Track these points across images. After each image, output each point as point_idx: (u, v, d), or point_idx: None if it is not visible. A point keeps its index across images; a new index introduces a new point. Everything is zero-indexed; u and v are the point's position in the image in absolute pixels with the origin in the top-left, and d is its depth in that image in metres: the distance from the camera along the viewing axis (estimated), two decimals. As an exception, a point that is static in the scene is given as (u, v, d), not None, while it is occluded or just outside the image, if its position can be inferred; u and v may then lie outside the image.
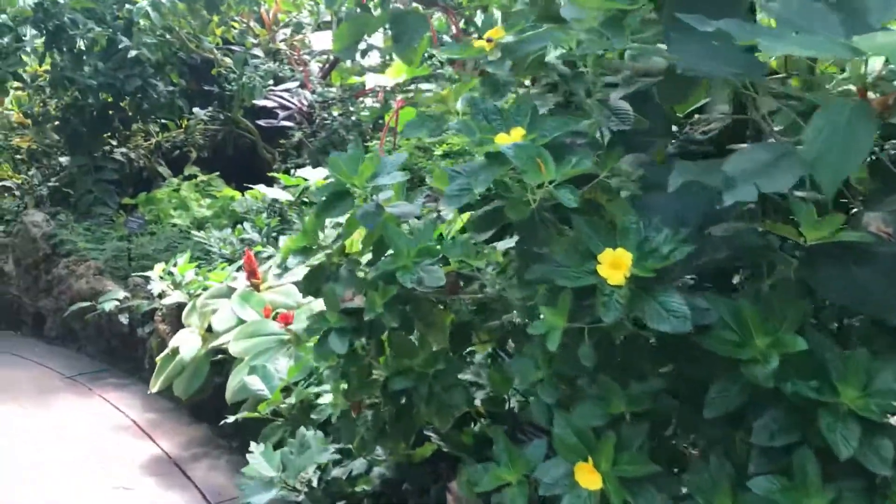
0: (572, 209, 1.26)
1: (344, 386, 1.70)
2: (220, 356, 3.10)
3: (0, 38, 5.02)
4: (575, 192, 1.23)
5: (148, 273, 3.82)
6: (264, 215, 4.30)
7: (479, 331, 1.77)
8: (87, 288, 4.21)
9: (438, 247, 1.53)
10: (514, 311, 1.67)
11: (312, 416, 1.94)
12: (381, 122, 4.69)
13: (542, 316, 1.40)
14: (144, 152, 6.35)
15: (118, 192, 5.85)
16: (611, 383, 1.34)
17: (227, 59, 6.05)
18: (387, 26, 3.46)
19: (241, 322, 3.00)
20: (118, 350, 4.11)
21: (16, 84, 5.61)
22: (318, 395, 2.09)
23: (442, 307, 1.64)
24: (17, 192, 6.04)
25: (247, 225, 4.22)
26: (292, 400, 2.18)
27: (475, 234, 1.57)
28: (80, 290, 4.25)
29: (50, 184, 6.05)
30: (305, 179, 4.05)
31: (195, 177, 6.18)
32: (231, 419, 2.28)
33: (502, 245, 1.69)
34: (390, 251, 1.59)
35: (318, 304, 2.13)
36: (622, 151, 1.36)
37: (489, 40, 1.45)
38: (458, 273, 1.61)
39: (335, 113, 5.26)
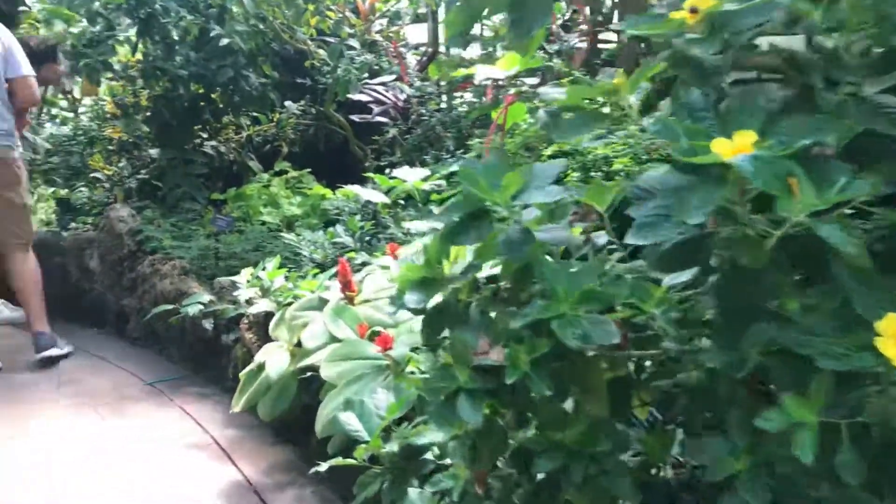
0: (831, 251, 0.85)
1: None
2: (309, 373, 2.77)
3: (92, 26, 4.83)
4: (850, 229, 0.83)
5: (235, 277, 3.53)
6: (358, 217, 3.97)
7: (640, 390, 1.38)
8: (172, 288, 3.97)
9: (604, 289, 1.14)
10: (692, 370, 1.28)
11: (427, 487, 1.57)
12: (483, 119, 4.32)
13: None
14: (235, 146, 6.14)
15: (207, 187, 5.64)
16: (868, 499, 0.93)
17: (321, 51, 5.78)
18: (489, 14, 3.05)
19: (333, 339, 2.66)
20: (201, 356, 3.84)
21: (110, 74, 5.44)
22: (425, 448, 1.72)
23: (602, 365, 1.24)
24: (107, 184, 5.90)
25: (339, 227, 3.90)
26: (393, 447, 1.82)
27: (654, 272, 1.18)
28: (163, 290, 4.01)
29: (139, 176, 5.89)
30: (403, 181, 3.71)
31: (286, 172, 5.93)
32: (323, 467, 1.94)
33: (668, 279, 1.29)
34: (535, 282, 1.22)
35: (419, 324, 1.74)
36: (893, 167, 0.94)
37: (693, 10, 1.05)
38: (625, 321, 1.22)
39: (432, 108, 4.92)
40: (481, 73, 3.40)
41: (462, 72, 3.77)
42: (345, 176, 5.82)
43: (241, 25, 5.21)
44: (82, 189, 6.50)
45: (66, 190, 6.70)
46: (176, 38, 5.28)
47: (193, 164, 5.47)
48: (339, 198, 5.20)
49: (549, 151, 3.72)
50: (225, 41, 4.75)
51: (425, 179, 3.73)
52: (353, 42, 5.15)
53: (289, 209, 5.21)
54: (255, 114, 6.10)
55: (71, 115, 8.03)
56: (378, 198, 3.67)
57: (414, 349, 2.28)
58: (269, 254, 4.29)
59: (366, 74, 5.24)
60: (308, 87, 6.16)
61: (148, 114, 5.85)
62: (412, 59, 5.69)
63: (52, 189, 6.75)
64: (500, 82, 3.57)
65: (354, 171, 5.81)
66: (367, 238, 3.79)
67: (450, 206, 1.20)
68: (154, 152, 5.97)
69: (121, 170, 5.99)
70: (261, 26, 5.37)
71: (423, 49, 5.72)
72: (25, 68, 4.11)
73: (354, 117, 5.34)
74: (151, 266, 4.21)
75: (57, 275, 4.69)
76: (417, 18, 6.11)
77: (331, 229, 3.90)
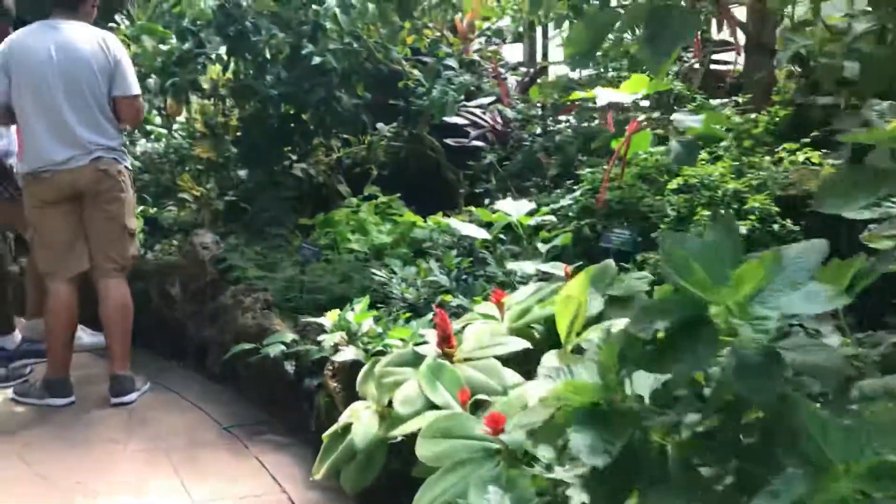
0: None
1: None
2: (400, 437, 2.38)
3: (181, 44, 4.59)
4: None
5: (320, 319, 3.18)
6: (454, 253, 3.57)
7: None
8: (254, 324, 3.65)
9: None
10: None
11: None
12: (589, 145, 3.87)
13: None
14: (324, 168, 5.84)
15: (295, 210, 5.34)
16: None
17: (416, 71, 5.45)
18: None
19: (430, 405, 2.27)
20: (282, 400, 3.50)
21: (198, 93, 5.21)
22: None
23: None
24: (194, 206, 5.67)
25: (433, 264, 3.51)
26: (514, 576, 1.41)
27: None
28: (245, 325, 3.69)
29: (227, 198, 5.64)
30: (506, 214, 3.31)
31: (375, 197, 5.61)
32: None
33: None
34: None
35: (542, 389, 1.36)
36: None
37: None
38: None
39: (534, 132, 4.50)
40: (603, 96, 2.98)
41: (578, 94, 3.35)
42: (435, 201, 5.46)
43: (335, 44, 4.91)
44: (171, 208, 6.32)
45: (156, 209, 6.54)
46: (267, 56, 5.02)
47: (282, 186, 5.19)
48: (430, 226, 4.83)
49: (672, 185, 3.27)
50: (317, 60, 4.44)
51: (531, 213, 3.31)
52: (451, 61, 4.77)
53: (378, 237, 4.86)
54: (345, 136, 5.79)
55: (165, 131, 7.94)
56: (477, 233, 3.27)
57: (530, 433, 1.86)
58: (356, 289, 3.95)
59: (462, 96, 4.86)
60: (400, 109, 5.83)
61: (238, 134, 5.62)
62: (512, 80, 5.28)
63: (142, 207, 6.58)
64: (624, 105, 3.15)
65: (446, 197, 5.45)
66: (464, 276, 3.39)
67: (647, 305, 0.78)
68: (242, 173, 5.73)
69: (209, 191, 5.75)
70: (354, 45, 5.04)
71: (522, 69, 5.31)
72: (135, 87, 3.86)
73: (449, 141, 4.97)
74: (233, 297, 3.90)
75: (138, 301, 4.43)
76: (519, 37, 5.72)
77: (423, 265, 3.51)
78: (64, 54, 3.66)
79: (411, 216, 5.05)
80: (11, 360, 4.26)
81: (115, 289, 3.93)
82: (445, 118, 4.75)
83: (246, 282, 4.03)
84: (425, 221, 4.95)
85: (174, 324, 4.36)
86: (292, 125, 5.40)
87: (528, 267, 3.05)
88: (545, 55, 7.11)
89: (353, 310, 3.09)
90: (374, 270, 3.50)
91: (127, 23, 4.45)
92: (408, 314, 3.10)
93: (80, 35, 3.73)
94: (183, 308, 4.30)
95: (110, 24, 4.55)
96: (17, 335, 4.41)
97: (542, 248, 3.23)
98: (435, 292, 3.29)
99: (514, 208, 3.32)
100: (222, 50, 4.88)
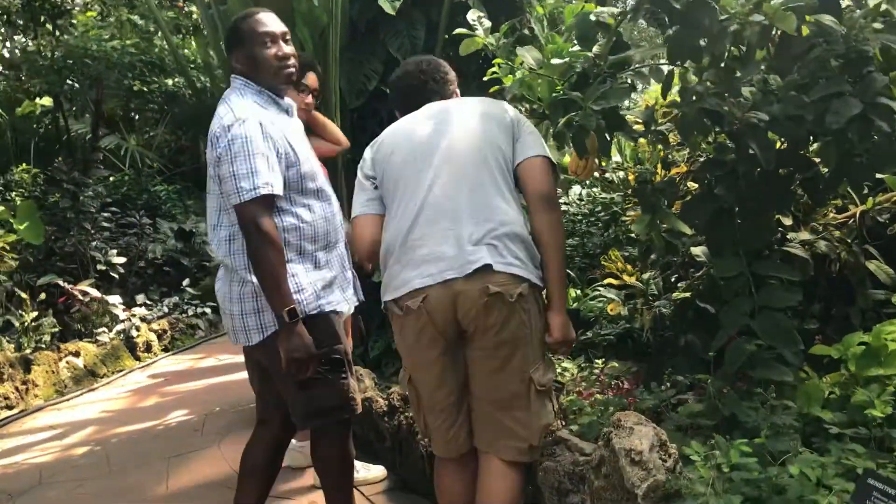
0: None
1: None
2: None
3: (586, 49, 2.32)
4: None
5: None
6: None
7: None
8: None
9: None
10: None
11: None
12: None
13: None
14: (839, 234, 3.12)
15: (800, 313, 2.73)
16: None
17: None
18: None
19: None
20: None
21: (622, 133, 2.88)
22: None
23: None
24: (624, 311, 3.35)
25: None
26: None
27: None
28: None
29: (676, 294, 3.23)
30: None
31: (958, 292, 2.72)
32: None
33: None
34: None
35: None
36: None
37: None
38: None
39: None
40: None
41: None
42: None
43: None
44: (600, 290, 4.08)
45: (579, 291, 4.40)
46: (737, 54, 2.52)
47: (769, 282, 2.60)
48: None
49: None
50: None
51: None
52: None
53: None
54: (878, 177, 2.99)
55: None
56: None
57: None
58: None
59: None
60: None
61: (696, 189, 3.18)
62: None
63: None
64: None
65: None
66: None
67: None
68: (698, 252, 3.27)
69: (646, 282, 3.39)
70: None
71: None
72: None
73: None
74: None
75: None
76: None
77: None
78: None
79: None
80: None
81: (499, 477, 2.10)
82: None
83: (722, 557, 1.57)
84: None
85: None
86: (782, 172, 2.79)
87: None
88: None
89: None
90: None
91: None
92: None
93: None
94: (594, 561, 1.97)
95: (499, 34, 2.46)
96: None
97: None
98: None
99: None
100: (658, 52, 2.52)
